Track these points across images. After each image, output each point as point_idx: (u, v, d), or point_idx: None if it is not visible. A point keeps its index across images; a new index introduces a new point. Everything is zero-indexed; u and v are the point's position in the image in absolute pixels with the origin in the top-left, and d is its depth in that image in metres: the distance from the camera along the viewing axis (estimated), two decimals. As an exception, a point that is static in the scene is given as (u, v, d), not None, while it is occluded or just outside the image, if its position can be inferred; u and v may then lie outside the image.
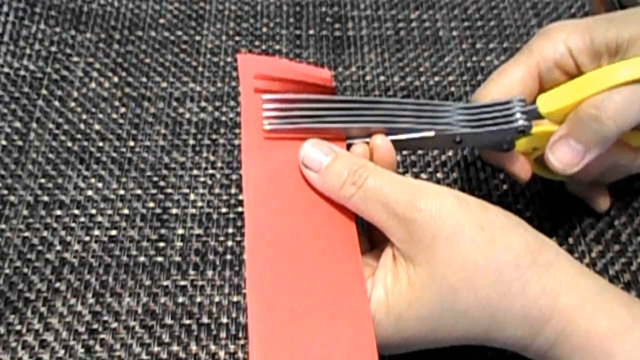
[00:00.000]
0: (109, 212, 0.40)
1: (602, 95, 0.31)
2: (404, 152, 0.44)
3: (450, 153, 0.44)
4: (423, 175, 0.43)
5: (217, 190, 0.42)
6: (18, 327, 0.36)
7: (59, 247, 0.39)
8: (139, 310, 0.37)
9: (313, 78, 0.33)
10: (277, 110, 0.32)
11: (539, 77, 0.35)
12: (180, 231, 0.40)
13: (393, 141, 0.33)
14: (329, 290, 0.28)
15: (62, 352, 0.35)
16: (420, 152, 0.44)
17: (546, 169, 0.35)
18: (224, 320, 0.37)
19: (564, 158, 0.33)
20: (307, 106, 0.32)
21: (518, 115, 0.33)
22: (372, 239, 0.33)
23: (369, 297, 0.28)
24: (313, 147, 0.31)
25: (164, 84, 0.47)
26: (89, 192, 0.41)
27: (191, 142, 0.44)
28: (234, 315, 0.37)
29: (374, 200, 0.29)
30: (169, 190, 0.42)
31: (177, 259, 0.39)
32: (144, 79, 0.47)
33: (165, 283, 0.38)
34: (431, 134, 0.33)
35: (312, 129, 0.32)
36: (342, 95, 0.47)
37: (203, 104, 0.46)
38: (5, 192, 0.41)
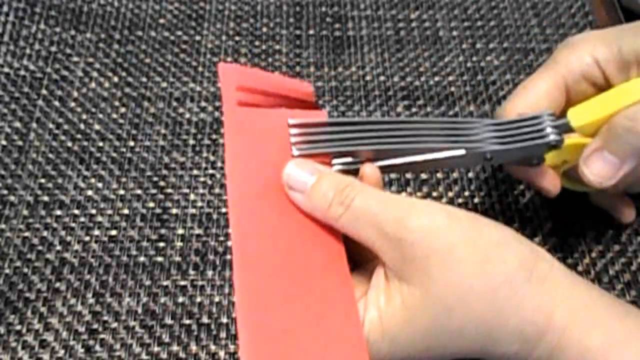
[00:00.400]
0: (109, 212, 0.40)
1: (636, 107, 0.31)
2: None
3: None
4: (423, 175, 0.43)
5: (217, 190, 0.42)
6: (18, 327, 0.36)
7: (59, 247, 0.39)
8: (139, 310, 0.37)
9: (295, 92, 0.33)
10: (304, 135, 0.31)
11: (565, 90, 0.34)
12: (180, 231, 0.40)
13: (424, 161, 0.32)
14: (320, 315, 0.28)
15: (62, 352, 0.35)
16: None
17: (575, 181, 0.35)
18: (224, 320, 0.37)
19: (600, 171, 0.32)
20: (333, 129, 0.31)
21: (549, 129, 0.32)
22: (354, 258, 0.32)
23: (362, 320, 0.28)
24: (297, 167, 0.30)
25: (164, 84, 0.47)
26: (89, 192, 0.41)
27: (191, 142, 0.44)
28: (234, 315, 0.37)
29: (363, 220, 0.28)
30: (169, 190, 0.42)
31: (177, 259, 0.39)
32: (144, 79, 0.47)
33: (165, 283, 0.38)
34: (462, 152, 0.32)
35: (341, 152, 0.31)
36: (340, 95, 0.47)
37: (203, 104, 0.46)
38: (5, 192, 0.41)
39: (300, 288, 0.28)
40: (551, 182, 0.35)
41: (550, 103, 0.34)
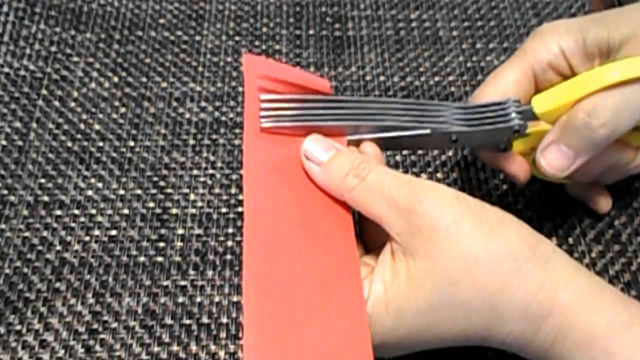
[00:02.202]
0: (109, 212, 0.40)
1: (593, 100, 0.31)
2: (404, 152, 0.44)
3: (450, 153, 0.44)
4: (423, 175, 0.43)
5: (217, 190, 0.42)
6: (18, 327, 0.36)
7: (59, 247, 0.39)
8: (139, 310, 0.37)
9: (313, 85, 0.34)
10: (274, 109, 0.32)
11: (533, 79, 0.35)
12: (180, 231, 0.40)
13: (390, 138, 0.33)
14: (324, 287, 0.28)
15: (62, 352, 0.35)
16: (420, 152, 0.44)
17: None
18: (224, 320, 0.37)
19: (555, 162, 0.33)
20: (303, 105, 0.33)
21: (513, 115, 0.33)
22: (367, 244, 0.33)
23: (367, 294, 0.28)
24: (315, 142, 0.31)
25: (164, 84, 0.47)
26: (89, 192, 0.41)
27: (191, 142, 0.44)
28: (234, 315, 0.37)
29: (375, 193, 0.29)
30: (169, 190, 0.42)
31: (177, 259, 0.39)
32: (144, 79, 0.47)
33: (165, 283, 0.38)
34: (427, 131, 0.33)
35: (308, 127, 0.32)
36: (340, 94, 0.47)
37: (203, 104, 0.46)
38: (5, 192, 0.41)
39: (306, 261, 0.29)
40: (519, 169, 0.36)
41: (519, 91, 0.35)
